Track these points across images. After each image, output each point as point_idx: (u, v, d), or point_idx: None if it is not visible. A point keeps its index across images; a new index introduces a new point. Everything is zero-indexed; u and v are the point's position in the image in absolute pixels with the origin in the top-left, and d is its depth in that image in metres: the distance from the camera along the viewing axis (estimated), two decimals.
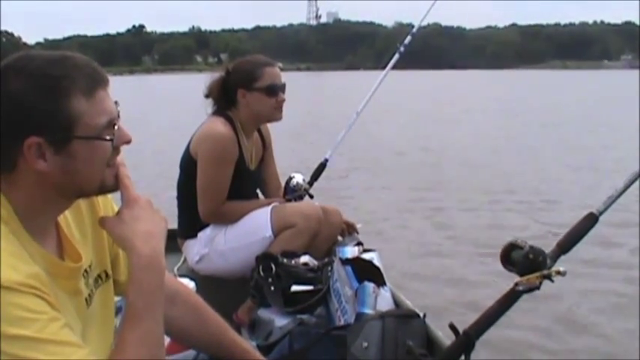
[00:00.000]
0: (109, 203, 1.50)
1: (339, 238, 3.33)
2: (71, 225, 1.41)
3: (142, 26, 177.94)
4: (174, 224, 3.18)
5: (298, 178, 3.46)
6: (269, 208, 3.13)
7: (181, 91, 35.62)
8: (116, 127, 1.31)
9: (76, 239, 1.40)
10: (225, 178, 3.10)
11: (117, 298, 1.56)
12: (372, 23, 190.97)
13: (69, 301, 1.31)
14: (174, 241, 3.20)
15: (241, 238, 3.09)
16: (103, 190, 1.36)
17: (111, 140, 1.30)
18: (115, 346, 1.32)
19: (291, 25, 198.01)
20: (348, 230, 3.41)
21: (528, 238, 1.91)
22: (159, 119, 22.64)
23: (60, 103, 1.23)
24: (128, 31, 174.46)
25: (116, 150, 1.33)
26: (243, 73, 3.16)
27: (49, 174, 1.25)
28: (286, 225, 3.04)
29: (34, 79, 1.22)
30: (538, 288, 1.83)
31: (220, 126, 3.09)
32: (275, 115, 3.20)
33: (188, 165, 3.14)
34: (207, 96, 3.23)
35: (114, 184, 1.36)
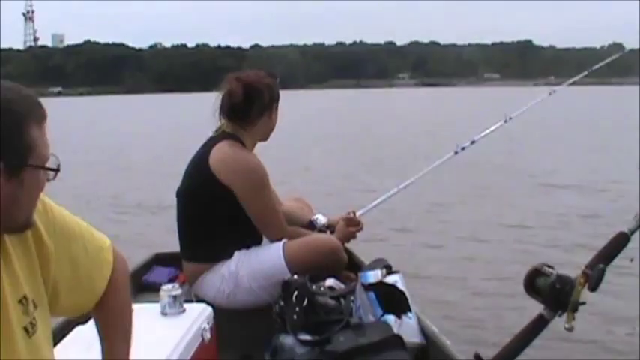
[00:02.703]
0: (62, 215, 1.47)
1: (365, 261, 3.27)
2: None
3: None
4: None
5: (322, 220, 3.48)
6: (280, 246, 3.07)
7: None
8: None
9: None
10: (275, 197, 3.20)
11: None
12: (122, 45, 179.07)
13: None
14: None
15: (265, 279, 3.01)
16: (26, 226, 1.33)
17: (57, 170, 1.31)
18: None
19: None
20: (349, 223, 3.38)
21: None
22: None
23: (21, 130, 1.24)
24: None
25: None
26: (275, 90, 3.14)
27: None
28: (302, 262, 3.00)
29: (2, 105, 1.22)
30: None
31: (246, 152, 3.06)
32: None
33: (213, 192, 3.03)
34: (237, 111, 3.10)
35: (31, 222, 1.34)
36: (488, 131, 4.00)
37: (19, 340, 1.31)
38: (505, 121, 4.01)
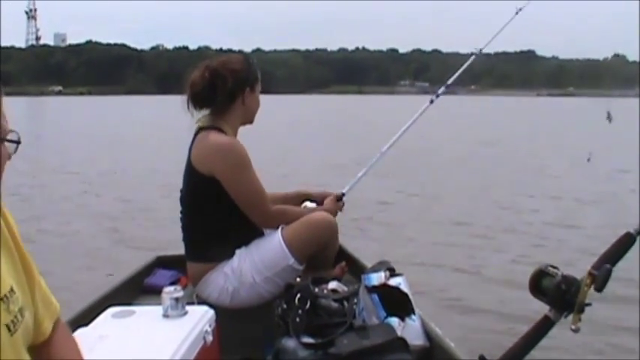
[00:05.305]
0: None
1: (367, 265, 3.26)
2: None
3: None
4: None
5: (310, 206, 3.46)
6: (278, 232, 3.07)
7: None
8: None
9: None
10: (258, 178, 3.07)
11: None
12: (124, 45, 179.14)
13: None
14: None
15: (268, 269, 3.02)
16: None
17: (18, 142, 1.27)
18: None
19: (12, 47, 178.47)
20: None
21: None
22: None
23: None
24: None
25: None
26: (243, 74, 3.08)
27: None
28: (301, 243, 3.04)
29: None
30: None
31: (221, 135, 3.01)
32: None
33: (203, 190, 3.03)
34: (200, 99, 3.08)
35: None
36: (459, 72, 4.26)
37: (2, 337, 1.27)
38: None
